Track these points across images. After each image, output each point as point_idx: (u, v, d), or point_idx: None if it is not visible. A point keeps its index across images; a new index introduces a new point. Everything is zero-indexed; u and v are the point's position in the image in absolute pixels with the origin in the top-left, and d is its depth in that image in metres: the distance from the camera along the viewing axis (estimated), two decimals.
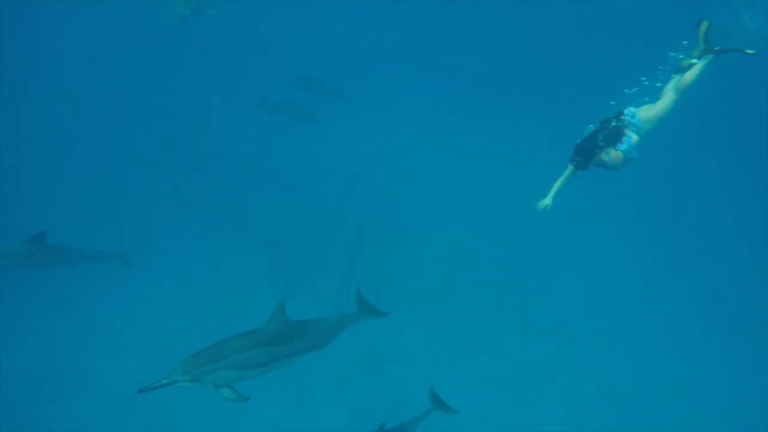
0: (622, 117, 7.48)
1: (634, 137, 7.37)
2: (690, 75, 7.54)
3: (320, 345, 7.49)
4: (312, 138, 18.92)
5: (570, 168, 7.56)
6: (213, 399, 6.93)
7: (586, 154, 7.43)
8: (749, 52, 7.53)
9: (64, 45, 21.29)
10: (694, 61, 7.56)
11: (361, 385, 11.50)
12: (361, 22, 27.40)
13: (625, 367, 12.71)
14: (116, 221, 14.29)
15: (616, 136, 7.31)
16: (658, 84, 7.86)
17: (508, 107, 21.49)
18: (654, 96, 7.80)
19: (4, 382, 10.97)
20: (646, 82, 7.84)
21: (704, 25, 7.56)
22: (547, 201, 7.59)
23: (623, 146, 7.29)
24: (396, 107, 21.60)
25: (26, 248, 10.52)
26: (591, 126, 7.65)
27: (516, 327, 12.93)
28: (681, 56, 7.70)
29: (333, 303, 12.60)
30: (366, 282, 13.13)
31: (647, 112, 7.59)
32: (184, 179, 16.33)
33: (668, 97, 7.64)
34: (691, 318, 14.25)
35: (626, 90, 7.73)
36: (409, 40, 27.21)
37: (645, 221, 17.18)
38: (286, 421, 10.99)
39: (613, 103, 7.73)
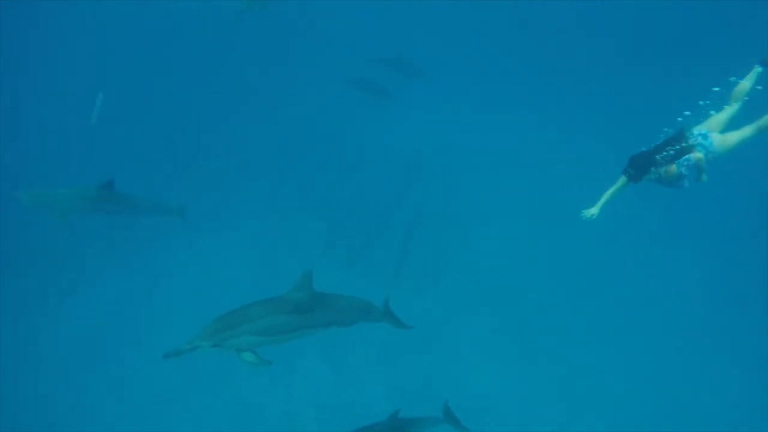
0: (692, 136, 7.17)
1: (698, 156, 7.03)
2: None
3: (342, 323, 7.40)
4: (385, 116, 19.15)
5: (622, 179, 7.30)
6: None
7: (641, 167, 7.18)
8: None
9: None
10: None
11: (405, 364, 11.65)
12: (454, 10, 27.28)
13: (673, 371, 12.29)
14: (190, 181, 15.20)
15: (678, 156, 7.04)
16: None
17: (586, 112, 20.84)
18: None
19: (68, 331, 11.83)
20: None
21: None
22: (594, 210, 7.36)
23: (681, 164, 7.02)
24: (473, 98, 21.44)
25: (98, 193, 11.13)
26: (677, 121, 7.35)
27: (565, 326, 12.71)
28: None
29: (390, 278, 13.04)
30: (419, 263, 13.59)
31: (725, 138, 7.20)
32: (257, 146, 17.14)
33: (756, 124, 7.16)
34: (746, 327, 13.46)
35: (701, 102, 7.41)
36: (498, 34, 26.79)
37: (704, 226, 16.31)
38: (329, 386, 11.39)
39: (687, 113, 7.42)
